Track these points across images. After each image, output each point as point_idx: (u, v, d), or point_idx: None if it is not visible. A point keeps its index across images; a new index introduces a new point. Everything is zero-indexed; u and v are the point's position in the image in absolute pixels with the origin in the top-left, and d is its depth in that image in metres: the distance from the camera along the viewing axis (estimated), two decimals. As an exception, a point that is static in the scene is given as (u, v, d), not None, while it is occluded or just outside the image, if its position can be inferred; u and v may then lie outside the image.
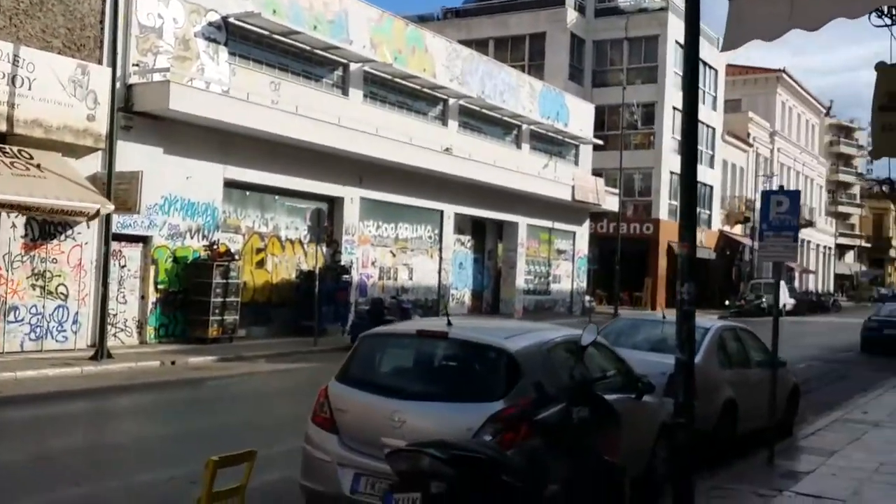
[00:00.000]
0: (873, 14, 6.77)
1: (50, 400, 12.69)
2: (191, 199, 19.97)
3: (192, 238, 20.03)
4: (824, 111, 77.57)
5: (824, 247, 78.11)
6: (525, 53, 45.20)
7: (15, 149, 16.39)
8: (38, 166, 16.50)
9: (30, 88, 16.33)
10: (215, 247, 20.25)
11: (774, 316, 9.99)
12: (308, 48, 22.98)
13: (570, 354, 6.56)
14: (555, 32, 45.12)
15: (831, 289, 76.78)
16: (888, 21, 7.04)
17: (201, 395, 14.29)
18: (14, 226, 16.73)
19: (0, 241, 16.41)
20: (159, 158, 19.13)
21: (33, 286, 17.04)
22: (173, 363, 16.73)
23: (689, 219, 6.92)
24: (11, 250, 16.65)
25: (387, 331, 7.34)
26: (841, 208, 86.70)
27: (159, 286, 19.36)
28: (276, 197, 22.79)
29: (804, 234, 69.79)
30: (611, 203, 37.34)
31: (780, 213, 9.31)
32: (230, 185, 21.11)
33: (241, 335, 20.39)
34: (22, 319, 16.81)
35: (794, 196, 9.42)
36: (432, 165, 26.30)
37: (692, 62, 7.00)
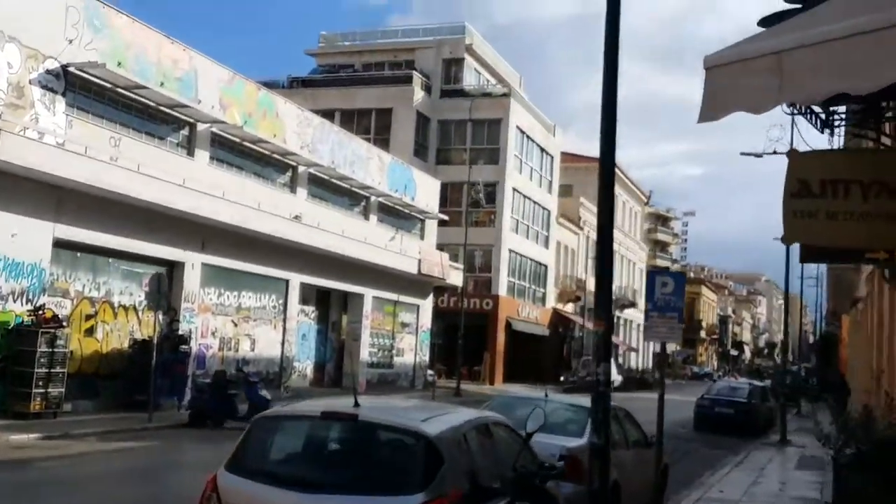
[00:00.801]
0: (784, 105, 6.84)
1: None
2: (15, 259, 18.13)
3: (14, 302, 18.12)
4: (645, 200, 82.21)
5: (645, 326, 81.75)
6: (371, 127, 45.32)
7: None
8: None
9: None
10: (41, 312, 18.40)
11: (660, 395, 9.88)
12: (153, 104, 21.81)
13: (490, 439, 6.03)
14: (401, 109, 45.60)
15: (650, 366, 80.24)
16: (794, 110, 7.17)
17: (28, 478, 12.53)
18: None
19: None
20: (-20, 212, 17.33)
21: None
22: (-11, 441, 14.84)
23: (605, 297, 6.64)
24: None
25: (285, 412, 6.42)
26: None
27: (-27, 354, 17.29)
28: (111, 260, 21.16)
29: (627, 314, 72.99)
30: (455, 278, 37.50)
31: (665, 294, 9.30)
32: (60, 244, 19.38)
33: (67, 410, 18.48)
34: None
35: (679, 278, 9.49)
36: (280, 233, 25.41)
37: (609, 126, 6.81)
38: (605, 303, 6.65)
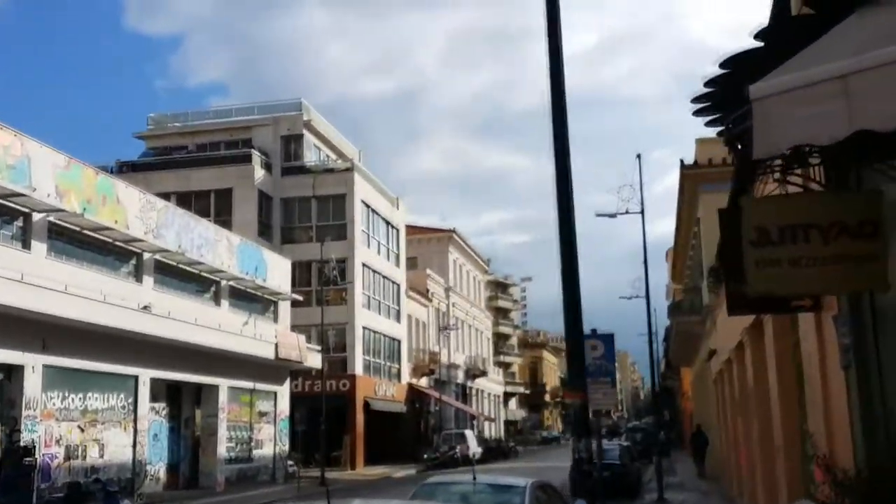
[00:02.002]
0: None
1: None
2: None
3: None
4: (486, 268, 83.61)
5: (494, 395, 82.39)
6: (210, 208, 43.57)
7: None
8: None
9: None
10: None
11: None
12: (-18, 194, 19.87)
13: None
14: (242, 189, 44.30)
15: (502, 434, 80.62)
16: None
17: None
18: None
19: None
20: None
21: None
22: None
23: (577, 369, 6.15)
24: None
25: None
26: (503, 358, 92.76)
27: None
28: (-62, 368, 18.81)
29: (478, 383, 73.25)
30: (313, 360, 36.17)
31: (596, 359, 8.93)
32: None
33: None
34: None
35: (608, 339, 9.14)
36: (129, 325, 23.60)
37: (565, 199, 6.41)
38: (578, 375, 6.15)
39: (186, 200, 43.51)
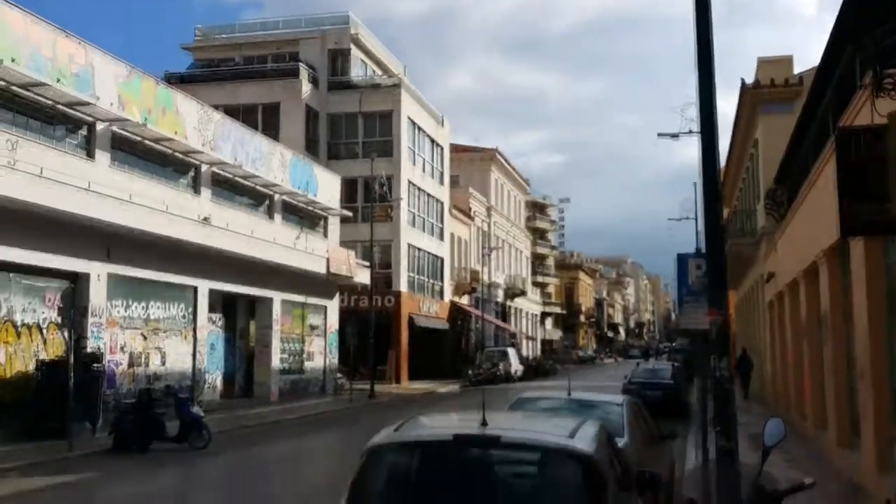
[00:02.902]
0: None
1: None
2: None
3: None
4: (527, 188, 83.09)
5: (532, 315, 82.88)
6: (258, 123, 43.39)
7: None
8: None
9: None
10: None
11: (712, 388, 9.35)
12: (50, 104, 19.87)
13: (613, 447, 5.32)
14: (289, 104, 44.02)
15: (539, 354, 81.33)
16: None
17: None
18: None
19: None
20: None
21: None
22: None
23: (719, 289, 6.00)
24: None
25: (406, 439, 5.33)
26: (540, 279, 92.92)
27: None
28: (11, 275, 19.12)
29: (517, 303, 73.61)
30: (362, 276, 36.43)
31: (701, 278, 8.75)
32: (-47, 261, 17.34)
33: (-31, 444, 16.50)
34: None
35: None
36: (189, 237, 23.81)
37: (709, 121, 6.19)
38: (719, 294, 6.02)
39: (234, 114, 43.11)
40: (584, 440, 5.04)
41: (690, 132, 25.43)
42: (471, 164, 64.30)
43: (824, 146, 15.00)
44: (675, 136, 25.70)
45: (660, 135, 26.43)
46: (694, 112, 25.37)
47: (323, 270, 32.69)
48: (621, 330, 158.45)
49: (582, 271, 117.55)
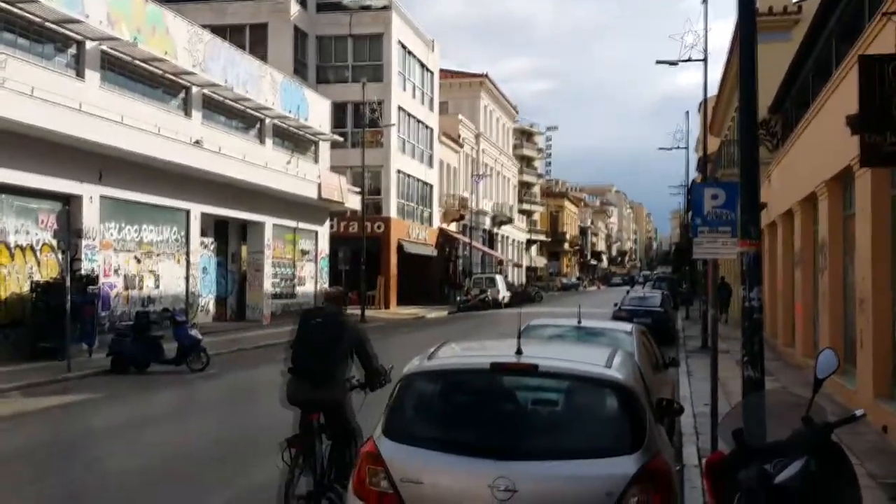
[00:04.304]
0: None
1: None
2: None
3: None
4: (515, 115, 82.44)
5: (518, 242, 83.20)
6: (246, 44, 42.51)
7: None
8: None
9: None
10: (-69, 257, 16.23)
11: (716, 317, 9.44)
12: (39, 20, 19.36)
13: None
14: (277, 24, 43.05)
15: (524, 280, 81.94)
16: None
17: None
18: None
19: None
20: None
21: None
22: None
23: (753, 217, 5.99)
24: None
25: (444, 366, 5.30)
26: (526, 206, 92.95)
27: None
28: (3, 196, 18.90)
29: (504, 230, 73.77)
30: (353, 201, 36.30)
31: (717, 207, 8.74)
32: (-55, 181, 17.09)
33: (-32, 365, 16.52)
34: None
35: (731, 189, 8.84)
36: (181, 159, 23.56)
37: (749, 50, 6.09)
38: (753, 222, 6.01)
39: (221, 34, 42.29)
40: (621, 369, 5.09)
41: (689, 59, 25.08)
42: (460, 90, 63.56)
43: (829, 76, 14.91)
44: (674, 62, 25.37)
45: (658, 62, 26.07)
46: (692, 39, 25.05)
47: (314, 195, 32.53)
48: (604, 258, 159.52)
49: (567, 199, 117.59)
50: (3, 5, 18.29)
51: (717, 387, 9.44)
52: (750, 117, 6.27)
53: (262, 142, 30.35)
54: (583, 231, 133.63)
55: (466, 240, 56.97)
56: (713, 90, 39.00)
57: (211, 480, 9.00)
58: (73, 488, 8.86)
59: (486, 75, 65.48)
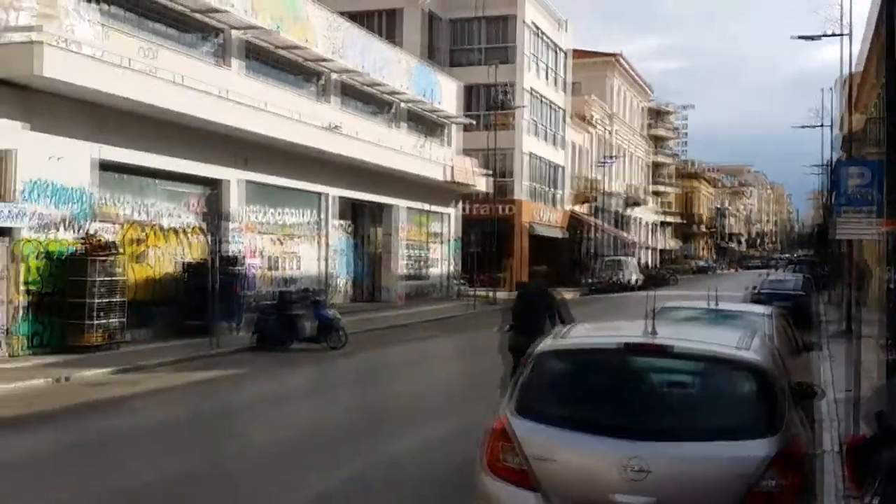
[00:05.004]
0: None
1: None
2: (63, 184, 16.93)
3: (65, 230, 17.00)
4: (650, 95, 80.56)
5: (651, 224, 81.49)
6: (378, 30, 43.19)
7: None
8: None
9: None
10: (92, 239, 17.29)
11: (858, 299, 9.00)
12: (187, 11, 20.28)
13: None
14: (410, 9, 43.52)
15: (657, 263, 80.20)
16: None
17: (142, 422, 11.45)
18: None
19: None
20: (23, 136, 16.02)
21: None
22: (67, 380, 13.99)
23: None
24: None
25: (577, 346, 5.37)
26: (659, 187, 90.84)
27: (28, 287, 16.23)
28: (155, 181, 19.97)
29: (635, 212, 72.36)
30: (482, 184, 36.43)
31: (859, 187, 8.30)
32: (104, 166, 18.15)
33: (126, 340, 17.57)
34: None
35: (876, 168, 8.40)
36: (320, 144, 24.21)
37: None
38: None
39: (356, 21, 43.23)
40: (757, 351, 4.99)
41: (832, 34, 23.76)
42: (591, 69, 62.58)
43: None
44: (814, 37, 24.11)
45: (795, 37, 24.85)
46: (833, 13, 23.77)
47: (445, 178, 32.81)
48: (742, 240, 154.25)
49: (702, 180, 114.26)
50: (154, -3, 19.24)
51: (858, 370, 9.00)
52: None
53: (395, 125, 30.84)
54: (718, 213, 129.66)
55: (596, 222, 56.23)
56: (857, 66, 36.99)
57: (346, 452, 9.29)
58: (218, 456, 9.37)
59: (620, 54, 64.21)
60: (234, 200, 22.21)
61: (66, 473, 8.60)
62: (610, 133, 62.01)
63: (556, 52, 50.66)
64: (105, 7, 18.08)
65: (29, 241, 16.27)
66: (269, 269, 24.22)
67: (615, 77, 64.22)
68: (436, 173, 32.19)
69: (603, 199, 58.19)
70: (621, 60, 64.61)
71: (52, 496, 7.73)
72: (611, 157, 59.22)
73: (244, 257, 21.78)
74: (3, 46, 15.41)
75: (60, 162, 16.84)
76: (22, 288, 16.09)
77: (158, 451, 9.63)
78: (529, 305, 10.76)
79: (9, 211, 15.77)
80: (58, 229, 16.86)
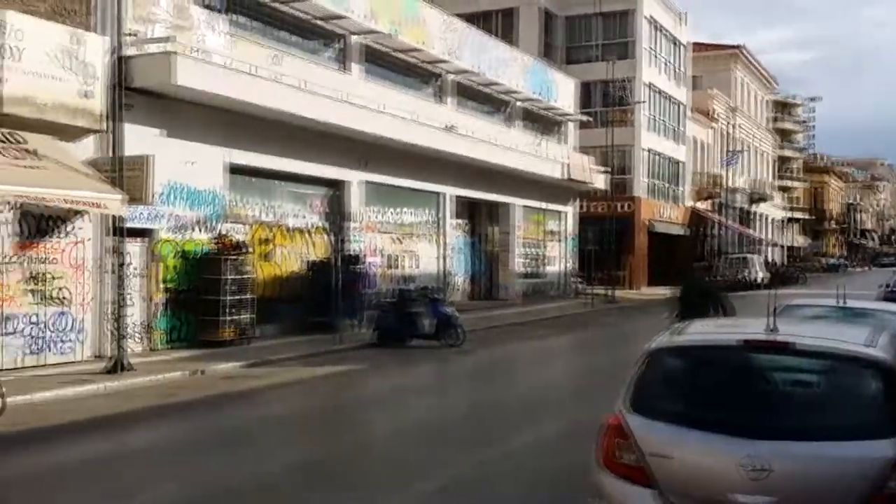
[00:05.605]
0: None
1: (91, 431, 10.54)
2: (196, 188, 17.83)
3: (199, 231, 17.90)
4: (775, 86, 77.83)
5: (777, 220, 78.71)
6: (499, 30, 43.33)
7: (5, 131, 14.07)
8: (35, 152, 14.23)
9: (19, 60, 13.99)
10: (224, 239, 18.14)
11: None
12: (308, 18, 20.97)
13: None
14: (526, 8, 43.52)
15: (784, 260, 77.35)
16: None
17: (274, 412, 12.07)
18: (5, 222, 14.44)
19: (-9, 240, 14.15)
20: (159, 142, 16.93)
21: (31, 291, 14.78)
22: (203, 373, 14.75)
23: None
24: (4, 250, 14.34)
25: (693, 342, 5.29)
26: (785, 182, 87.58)
27: (166, 285, 17.18)
28: (281, 183, 20.74)
29: (761, 208, 69.99)
30: (599, 181, 36.09)
31: None
32: (233, 170, 19.00)
33: (256, 336, 18.35)
34: (18, 330, 14.53)
35: None
36: (437, 145, 24.55)
37: None
38: None
39: (473, 22, 43.32)
40: (885, 349, 4.81)
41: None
42: (712, 62, 60.98)
43: None
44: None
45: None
46: None
47: (561, 176, 32.68)
48: (875, 237, 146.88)
49: (832, 174, 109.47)
50: (277, 5, 19.96)
51: None
52: None
53: (510, 124, 30.94)
54: (848, 208, 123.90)
55: (720, 218, 54.75)
56: None
57: (462, 446, 9.47)
58: (340, 445, 9.73)
59: (742, 47, 62.30)
60: (355, 201, 22.80)
61: (206, 459, 9.11)
62: (733, 127, 60.24)
63: (675, 46, 49.63)
64: (233, 17, 18.91)
65: (167, 241, 17.23)
66: (389, 267, 24.75)
67: (737, 70, 62.35)
68: (552, 171, 32.09)
69: (726, 194, 56.59)
70: (744, 52, 62.70)
71: (198, 479, 8.24)
72: (734, 155, 57.44)
73: (365, 256, 22.34)
74: (142, 57, 16.34)
75: (194, 166, 17.72)
76: (161, 286, 17.05)
77: (290, 439, 10.15)
78: (700, 295, 12.41)
79: (148, 213, 16.73)
80: (192, 230, 17.75)
